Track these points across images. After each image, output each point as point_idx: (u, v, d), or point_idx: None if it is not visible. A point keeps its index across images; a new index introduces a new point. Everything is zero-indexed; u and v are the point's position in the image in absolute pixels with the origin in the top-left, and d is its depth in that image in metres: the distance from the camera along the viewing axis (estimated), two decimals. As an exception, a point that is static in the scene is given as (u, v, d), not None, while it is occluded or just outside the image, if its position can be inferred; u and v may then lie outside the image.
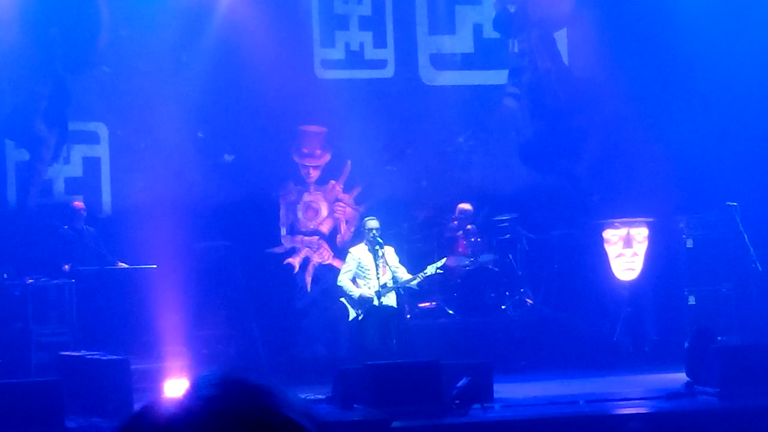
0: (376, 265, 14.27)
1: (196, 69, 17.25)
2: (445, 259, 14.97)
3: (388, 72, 18.32)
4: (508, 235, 17.43)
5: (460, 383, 12.31)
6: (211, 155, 17.55)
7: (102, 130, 17.26)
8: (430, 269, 14.39)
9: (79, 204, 16.06)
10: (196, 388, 1.49)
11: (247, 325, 16.57)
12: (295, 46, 17.81)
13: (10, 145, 16.82)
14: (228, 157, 17.62)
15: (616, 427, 11.28)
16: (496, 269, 17.07)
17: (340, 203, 17.57)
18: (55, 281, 15.21)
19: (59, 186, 16.92)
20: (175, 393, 1.51)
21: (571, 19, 18.59)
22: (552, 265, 17.79)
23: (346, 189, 17.64)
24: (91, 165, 17.19)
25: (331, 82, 17.87)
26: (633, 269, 17.43)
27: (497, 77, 18.59)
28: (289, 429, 1.45)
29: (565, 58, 18.68)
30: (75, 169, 17.09)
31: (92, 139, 17.23)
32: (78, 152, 17.12)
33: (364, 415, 12.10)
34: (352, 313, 14.41)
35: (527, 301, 17.29)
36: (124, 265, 15.81)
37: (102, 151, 17.24)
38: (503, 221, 17.46)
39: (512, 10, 18.48)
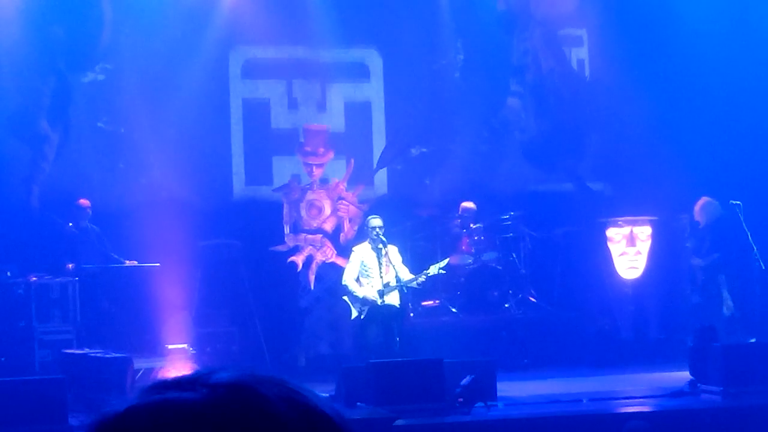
0: (380, 264, 14.25)
1: (198, 67, 17.26)
2: (448, 259, 14.94)
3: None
4: (511, 234, 17.42)
5: (464, 381, 12.31)
6: (214, 153, 17.58)
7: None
8: (433, 269, 14.36)
9: (84, 202, 16.06)
10: (205, 376, 1.45)
11: (250, 323, 16.56)
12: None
13: (14, 143, 16.81)
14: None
15: (619, 426, 11.27)
16: (500, 267, 17.06)
17: (344, 201, 17.57)
18: (59, 279, 15.21)
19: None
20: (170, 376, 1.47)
21: (575, 19, 18.59)
22: (555, 263, 17.78)
23: (350, 187, 17.64)
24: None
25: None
26: (636, 268, 17.42)
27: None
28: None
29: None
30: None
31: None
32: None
33: (368, 413, 12.10)
34: (354, 313, 14.40)
35: (531, 300, 17.28)
36: (132, 263, 15.80)
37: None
38: (506, 219, 17.45)
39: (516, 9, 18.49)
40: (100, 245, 15.91)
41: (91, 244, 15.85)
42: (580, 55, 18.92)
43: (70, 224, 15.92)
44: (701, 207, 16.28)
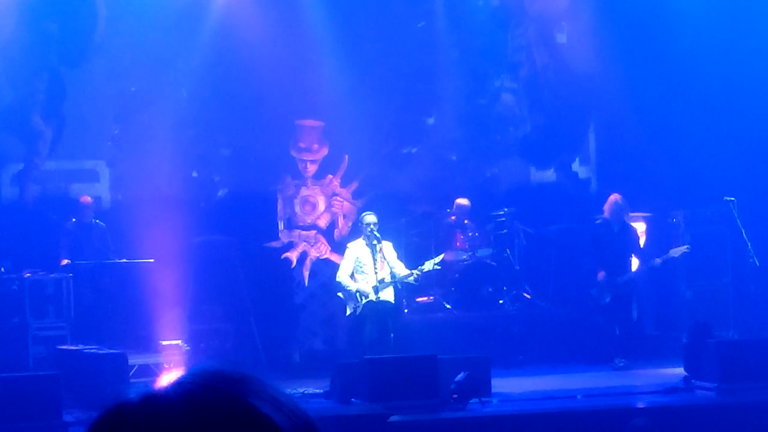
0: (374, 260, 14.24)
1: (193, 62, 17.23)
2: (443, 255, 14.94)
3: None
4: (505, 230, 17.42)
5: (458, 378, 12.31)
6: (208, 150, 17.54)
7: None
8: (428, 265, 14.34)
9: (86, 199, 16.06)
10: (175, 380, 1.46)
11: (244, 320, 16.56)
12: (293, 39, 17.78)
13: (8, 138, 16.79)
14: (225, 152, 17.61)
15: (613, 422, 11.27)
16: (494, 264, 17.06)
17: (338, 198, 17.57)
18: (53, 275, 15.19)
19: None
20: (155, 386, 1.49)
21: (569, 15, 18.58)
22: (549, 259, 17.78)
23: (344, 183, 17.63)
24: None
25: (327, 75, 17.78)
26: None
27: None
28: (256, 421, 1.41)
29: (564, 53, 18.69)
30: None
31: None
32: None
33: (362, 409, 12.10)
34: (349, 309, 14.40)
35: (525, 296, 17.29)
36: (123, 260, 15.79)
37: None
38: (501, 216, 17.45)
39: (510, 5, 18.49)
40: (102, 242, 15.87)
41: (91, 240, 15.81)
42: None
43: (73, 219, 15.91)
44: (608, 207, 15.94)
